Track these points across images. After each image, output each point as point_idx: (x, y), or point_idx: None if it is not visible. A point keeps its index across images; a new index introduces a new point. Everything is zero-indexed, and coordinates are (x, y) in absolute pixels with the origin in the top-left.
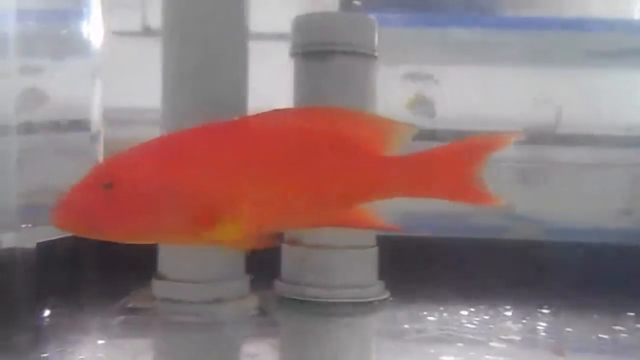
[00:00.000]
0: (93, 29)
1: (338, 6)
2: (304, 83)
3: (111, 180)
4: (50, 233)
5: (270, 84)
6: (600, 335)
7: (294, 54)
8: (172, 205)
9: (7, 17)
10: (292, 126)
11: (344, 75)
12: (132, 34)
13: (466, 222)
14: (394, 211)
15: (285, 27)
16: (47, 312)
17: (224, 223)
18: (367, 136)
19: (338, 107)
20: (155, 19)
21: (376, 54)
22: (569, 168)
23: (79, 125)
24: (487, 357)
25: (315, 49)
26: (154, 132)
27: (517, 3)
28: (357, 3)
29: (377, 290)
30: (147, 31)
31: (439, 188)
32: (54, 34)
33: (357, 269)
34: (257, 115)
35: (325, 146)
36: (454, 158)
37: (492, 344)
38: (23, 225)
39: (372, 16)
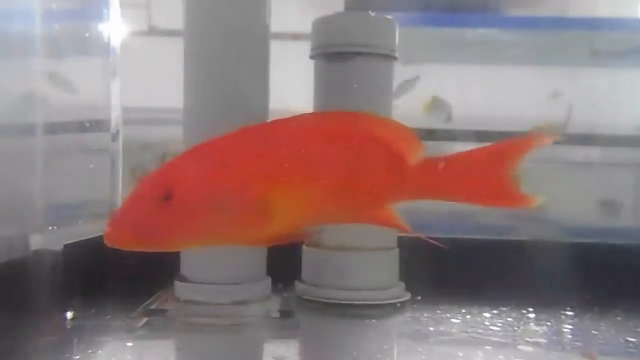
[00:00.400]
0: (112, 28)
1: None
2: (325, 84)
3: (169, 192)
4: (76, 234)
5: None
6: (627, 338)
7: (314, 56)
8: (228, 208)
9: (30, 18)
10: (323, 128)
11: (364, 76)
12: (138, 33)
13: (475, 222)
14: (403, 210)
15: (294, 27)
16: (71, 314)
17: (272, 218)
18: (395, 141)
19: (368, 112)
20: (161, 19)
21: (396, 54)
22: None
23: (100, 124)
24: None
25: (336, 50)
26: (164, 131)
27: (523, 2)
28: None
29: (398, 291)
30: (152, 30)
31: (475, 193)
32: (75, 33)
33: (378, 270)
34: (290, 119)
35: (357, 147)
36: (489, 161)
37: (519, 346)
38: (50, 228)
39: (392, 17)
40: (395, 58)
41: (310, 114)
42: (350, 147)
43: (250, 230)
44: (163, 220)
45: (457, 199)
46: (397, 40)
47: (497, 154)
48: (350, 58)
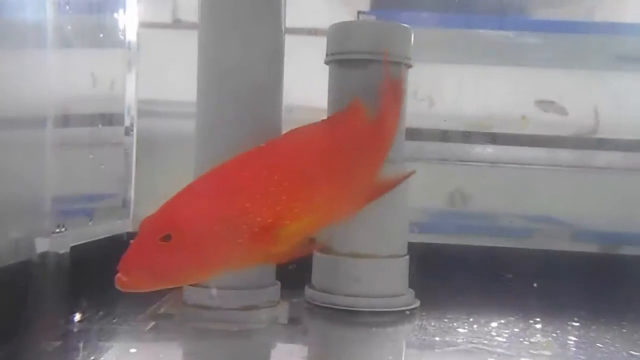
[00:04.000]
0: (129, 20)
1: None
2: (340, 90)
3: (169, 232)
4: (87, 234)
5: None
6: (631, 352)
7: (329, 61)
8: (230, 238)
9: (45, 8)
10: (312, 139)
11: (379, 83)
12: (163, 26)
13: (491, 224)
14: (423, 210)
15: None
16: (78, 317)
17: (281, 235)
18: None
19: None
20: (186, 12)
21: (411, 62)
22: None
23: (114, 118)
24: None
25: (351, 57)
26: (179, 125)
27: (549, 5)
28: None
29: (408, 299)
30: (177, 23)
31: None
32: (91, 26)
33: (387, 277)
34: (280, 138)
35: (335, 147)
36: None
37: (523, 359)
38: (57, 230)
39: (407, 25)
40: (410, 66)
41: (296, 130)
42: (333, 146)
43: (261, 253)
44: (168, 260)
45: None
46: (411, 48)
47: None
48: (366, 65)
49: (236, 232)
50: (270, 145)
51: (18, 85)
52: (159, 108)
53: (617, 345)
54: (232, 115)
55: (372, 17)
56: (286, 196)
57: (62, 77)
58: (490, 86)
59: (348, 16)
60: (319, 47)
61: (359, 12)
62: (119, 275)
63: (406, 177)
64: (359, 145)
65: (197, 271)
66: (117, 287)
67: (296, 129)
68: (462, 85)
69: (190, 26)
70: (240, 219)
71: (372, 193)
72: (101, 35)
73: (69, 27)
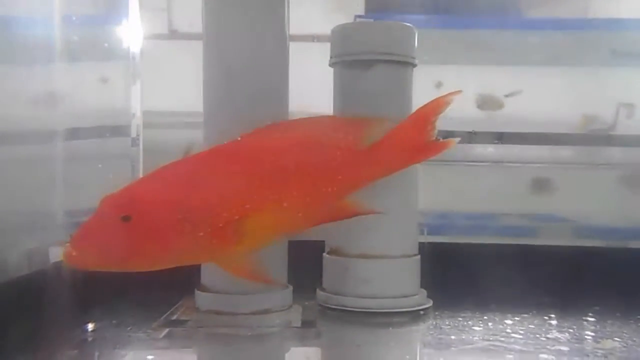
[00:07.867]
0: (132, 33)
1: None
2: (345, 92)
3: (129, 213)
4: None
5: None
6: None
7: (334, 63)
8: (190, 229)
9: (50, 23)
10: (285, 141)
11: (384, 84)
12: (159, 37)
13: (494, 224)
14: (425, 212)
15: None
16: (92, 326)
17: (246, 236)
18: (344, 136)
19: (315, 117)
20: (182, 23)
21: (415, 61)
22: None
23: (120, 130)
24: None
25: (355, 58)
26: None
27: (543, 3)
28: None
29: (420, 299)
30: (173, 34)
31: (408, 159)
32: (95, 39)
33: (399, 278)
34: (254, 134)
35: (313, 153)
36: (412, 131)
37: (541, 355)
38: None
39: (411, 25)
40: (414, 65)
41: (270, 126)
42: (307, 153)
43: (222, 250)
44: (124, 240)
45: (400, 167)
46: (415, 47)
47: (419, 121)
48: (372, 65)
49: (199, 224)
50: (247, 140)
51: (28, 99)
52: (162, 119)
53: (635, 339)
54: (239, 121)
55: (370, 20)
56: (256, 195)
57: (70, 90)
58: (490, 85)
59: (344, 21)
60: (318, 53)
61: (356, 16)
62: (68, 249)
63: (371, 213)
64: (335, 159)
65: (150, 258)
66: (66, 262)
67: (279, 122)
68: (462, 85)
69: (186, 37)
70: (205, 211)
71: (330, 215)
72: (106, 46)
73: (76, 41)
